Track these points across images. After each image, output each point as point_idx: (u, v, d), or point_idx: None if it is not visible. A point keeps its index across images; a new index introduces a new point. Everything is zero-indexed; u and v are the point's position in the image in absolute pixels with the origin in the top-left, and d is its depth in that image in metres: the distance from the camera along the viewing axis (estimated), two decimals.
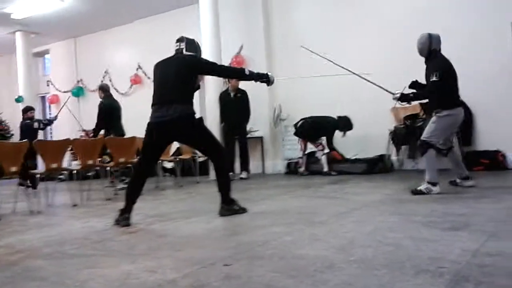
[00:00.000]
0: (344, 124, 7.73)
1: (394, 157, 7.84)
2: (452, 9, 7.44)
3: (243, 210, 4.26)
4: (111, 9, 10.40)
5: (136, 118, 9.13)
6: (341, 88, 8.16)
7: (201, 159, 8.87)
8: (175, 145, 8.33)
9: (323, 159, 7.82)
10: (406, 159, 7.67)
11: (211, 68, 4.45)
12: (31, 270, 2.71)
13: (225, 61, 9.09)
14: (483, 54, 7.14)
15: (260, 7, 9.30)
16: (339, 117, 7.79)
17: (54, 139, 11.07)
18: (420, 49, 5.01)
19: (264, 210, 4.49)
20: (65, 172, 6.47)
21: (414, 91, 5.03)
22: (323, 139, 7.95)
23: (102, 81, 10.82)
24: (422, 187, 4.76)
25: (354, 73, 5.45)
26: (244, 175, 8.20)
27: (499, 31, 7.07)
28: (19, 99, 11.99)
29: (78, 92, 12.55)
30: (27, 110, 8.94)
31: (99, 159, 7.06)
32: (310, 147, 8.10)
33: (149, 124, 4.11)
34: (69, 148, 6.65)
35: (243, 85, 8.47)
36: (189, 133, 4.15)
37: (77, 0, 9.66)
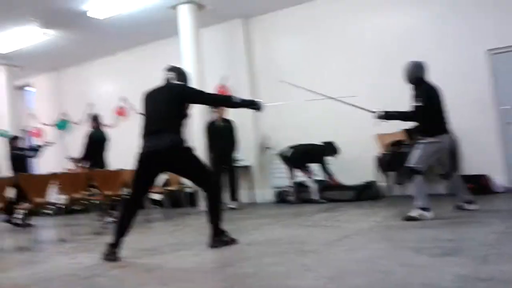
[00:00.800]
0: (330, 149, 7.81)
1: (382, 183, 7.88)
2: (431, 36, 7.62)
3: (233, 241, 4.19)
4: (94, 41, 10.43)
5: (121, 151, 9.13)
6: (327, 116, 8.27)
7: (189, 190, 8.82)
8: (163, 176, 8.29)
9: (314, 187, 7.83)
10: (394, 185, 7.71)
11: (201, 96, 4.43)
12: None
13: (210, 91, 9.17)
14: (460, 82, 7.25)
15: (241, 37, 9.42)
16: (324, 142, 7.86)
17: (39, 172, 10.94)
18: (407, 77, 5.06)
19: (254, 241, 4.45)
20: (53, 207, 6.36)
21: (398, 110, 5.06)
22: (312, 166, 7.99)
23: (88, 113, 10.75)
24: (415, 213, 4.75)
25: (334, 99, 5.56)
26: (233, 205, 8.15)
27: (476, 59, 7.26)
28: (4, 134, 11.84)
29: (62, 124, 12.47)
30: (15, 139, 8.98)
31: (86, 192, 6.98)
32: (300, 175, 8.11)
33: (140, 154, 4.06)
34: (55, 182, 6.57)
35: (228, 114, 8.54)
36: (181, 162, 4.13)
37: (60, 33, 9.69)
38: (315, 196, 7.77)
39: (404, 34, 7.83)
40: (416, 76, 5.00)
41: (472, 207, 5.04)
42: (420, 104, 4.84)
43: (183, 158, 4.11)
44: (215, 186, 4.27)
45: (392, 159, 7.42)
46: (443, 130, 4.94)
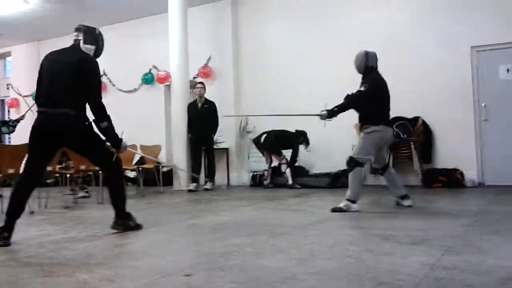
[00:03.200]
0: (303, 137, 7.84)
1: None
2: (415, 33, 7.67)
3: (138, 227, 3.98)
4: (78, 14, 10.19)
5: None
6: (306, 102, 8.25)
7: (164, 170, 8.77)
8: (137, 154, 8.22)
9: (288, 172, 7.88)
10: (368, 174, 7.80)
11: (92, 84, 3.85)
12: None
13: (192, 71, 9.08)
14: (444, 77, 7.40)
15: (229, 19, 9.33)
16: (297, 130, 7.88)
17: (13, 143, 10.73)
18: (357, 66, 5.00)
19: (227, 221, 4.46)
20: None
21: (337, 104, 4.92)
22: (285, 153, 8.04)
23: None
24: (342, 204, 4.72)
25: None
26: (208, 186, 8.16)
27: (460, 55, 7.34)
28: None
29: None
30: None
31: (59, 166, 6.88)
32: (274, 160, 8.15)
33: (33, 129, 3.68)
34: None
35: (210, 95, 8.49)
36: (79, 141, 3.80)
37: (42, 2, 9.45)
38: (290, 181, 7.82)
39: (390, 28, 7.86)
40: (365, 65, 4.92)
41: (406, 202, 4.93)
42: (362, 89, 4.79)
43: (80, 137, 3.77)
44: (114, 168, 3.96)
45: None
46: (385, 120, 4.88)
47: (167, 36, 8.54)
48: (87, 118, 3.79)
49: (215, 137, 8.54)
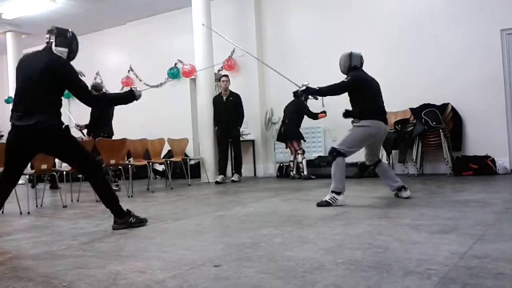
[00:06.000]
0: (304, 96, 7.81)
1: (384, 161, 7.87)
2: (444, 18, 7.53)
3: (141, 222, 3.93)
4: (103, 11, 10.37)
5: (126, 120, 9.17)
6: None
7: (192, 162, 8.88)
8: (166, 147, 8.34)
9: (304, 163, 7.88)
10: (397, 163, 7.72)
11: (74, 84, 3.81)
12: (19, 271, 2.68)
13: (217, 65, 9.12)
14: (473, 61, 7.25)
15: (253, 11, 9.32)
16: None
17: None
18: (341, 66, 4.94)
19: (253, 213, 4.49)
20: (56, 174, 6.42)
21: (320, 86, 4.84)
22: (303, 143, 8.05)
23: (93, 82, 10.77)
24: (327, 197, 4.63)
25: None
26: (235, 177, 8.21)
27: (489, 40, 7.17)
28: (9, 100, 11.91)
29: (67, 93, 12.47)
30: None
31: None
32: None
33: (9, 134, 3.66)
34: None
35: (235, 88, 8.51)
36: (55, 147, 3.75)
37: (69, 1, 9.62)
38: (305, 171, 7.82)
39: (418, 14, 7.73)
40: (349, 65, 4.86)
41: (405, 194, 4.84)
42: (345, 80, 4.77)
43: (55, 142, 3.69)
44: (95, 169, 3.88)
45: (397, 137, 7.41)
46: (376, 115, 4.74)
47: (191, 29, 8.60)
48: (61, 122, 3.72)
49: (241, 129, 8.58)
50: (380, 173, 5.05)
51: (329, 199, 4.61)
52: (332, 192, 4.64)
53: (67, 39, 3.84)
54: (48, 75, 3.60)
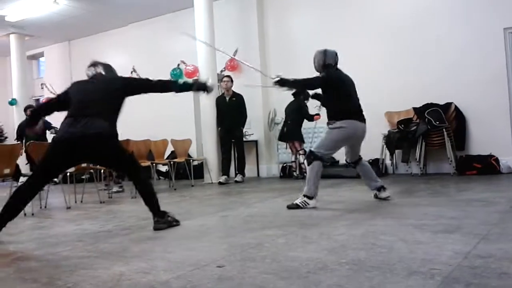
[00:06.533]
0: (303, 97, 7.84)
1: (388, 161, 7.88)
2: (446, 16, 7.51)
3: (176, 222, 3.95)
4: (106, 12, 10.40)
5: (129, 121, 9.18)
6: None
7: (195, 163, 8.89)
8: (169, 148, 8.35)
9: (306, 163, 7.86)
10: (400, 162, 7.71)
11: (144, 84, 4.13)
12: (23, 272, 2.70)
13: (220, 65, 9.12)
14: (477, 60, 7.23)
15: (255, 11, 9.33)
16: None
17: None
18: (315, 63, 4.80)
19: (257, 213, 4.50)
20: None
21: (295, 78, 4.69)
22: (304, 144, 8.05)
23: None
24: (298, 200, 4.51)
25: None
26: (239, 178, 8.22)
27: (492, 38, 7.15)
28: (12, 102, 11.96)
29: None
30: (26, 108, 9.06)
31: None
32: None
33: (59, 138, 3.69)
34: None
35: (238, 89, 8.51)
36: (107, 152, 3.81)
37: (71, 2, 9.65)
38: (300, 170, 7.84)
39: (421, 13, 7.72)
40: (323, 63, 4.71)
41: (384, 194, 4.76)
42: (319, 76, 4.68)
43: (109, 149, 3.79)
44: (143, 176, 3.97)
45: (400, 137, 7.40)
46: (352, 115, 4.60)
47: (194, 30, 8.60)
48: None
49: (244, 130, 8.58)
50: (361, 172, 4.93)
51: (299, 203, 4.49)
52: (304, 196, 4.51)
53: (112, 71, 4.11)
54: (113, 93, 3.84)
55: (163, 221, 3.86)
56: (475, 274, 2.13)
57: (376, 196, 4.85)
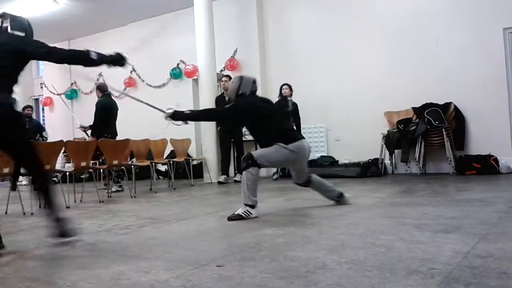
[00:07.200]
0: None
1: (387, 161, 7.88)
2: (446, 16, 7.51)
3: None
4: (105, 11, 10.39)
5: (129, 121, 9.19)
6: (336, 93, 8.24)
7: (195, 162, 8.89)
8: (169, 147, 8.34)
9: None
10: (399, 162, 7.71)
11: (48, 51, 3.56)
12: (23, 271, 2.70)
13: (219, 65, 9.11)
14: (476, 60, 7.23)
15: (254, 11, 9.33)
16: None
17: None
18: (229, 91, 4.57)
19: (257, 213, 4.49)
20: (58, 174, 6.43)
21: (192, 110, 4.37)
22: None
23: (96, 83, 10.79)
24: (240, 211, 4.10)
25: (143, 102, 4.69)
26: (238, 178, 8.20)
27: (491, 38, 7.15)
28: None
29: (71, 94, 12.53)
30: (25, 108, 9.07)
31: (93, 161, 7.06)
32: None
33: None
34: (62, 151, 6.62)
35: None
36: (8, 131, 3.25)
37: (71, 2, 9.64)
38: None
39: (420, 13, 7.72)
40: (236, 92, 4.40)
41: (345, 199, 4.61)
42: (230, 106, 4.39)
43: (9, 126, 3.23)
44: (42, 169, 3.63)
45: (399, 136, 7.40)
46: (296, 135, 4.40)
47: (193, 30, 8.60)
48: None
49: (243, 129, 8.57)
50: (315, 188, 4.66)
51: (242, 213, 4.08)
52: (246, 205, 4.12)
53: (23, 25, 3.64)
54: (13, 55, 3.37)
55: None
56: (474, 274, 2.13)
57: (338, 202, 4.64)
